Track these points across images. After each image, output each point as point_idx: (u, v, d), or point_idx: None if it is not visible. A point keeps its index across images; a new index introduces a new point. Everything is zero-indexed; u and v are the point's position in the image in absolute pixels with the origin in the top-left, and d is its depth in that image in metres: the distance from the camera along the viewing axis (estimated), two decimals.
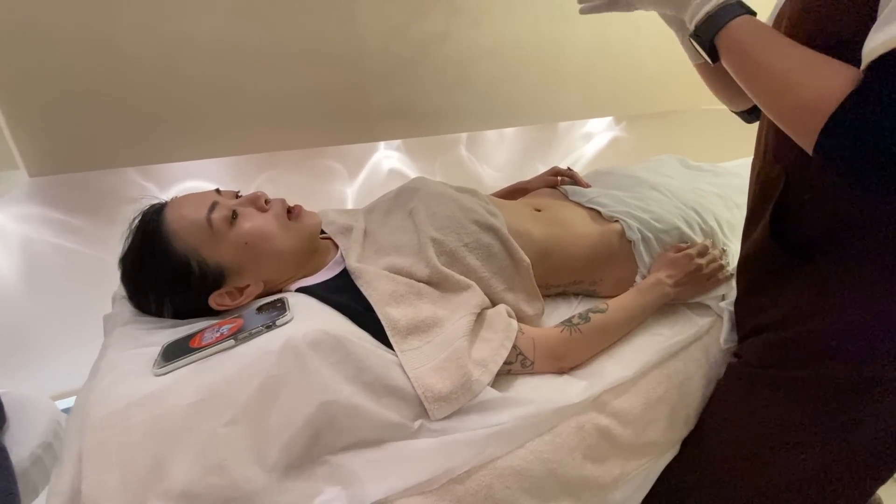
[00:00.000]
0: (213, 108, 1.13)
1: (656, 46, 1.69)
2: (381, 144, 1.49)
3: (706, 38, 0.52)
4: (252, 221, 0.67)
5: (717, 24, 0.51)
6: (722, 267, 0.82)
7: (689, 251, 0.80)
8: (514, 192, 1.06)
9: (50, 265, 1.14)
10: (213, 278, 0.65)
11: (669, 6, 0.58)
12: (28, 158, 1.00)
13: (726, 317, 0.74)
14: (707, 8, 0.51)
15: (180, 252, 0.63)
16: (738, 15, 0.50)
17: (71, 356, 1.09)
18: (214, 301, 0.65)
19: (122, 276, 0.67)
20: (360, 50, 1.24)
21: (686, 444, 0.72)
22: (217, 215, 0.64)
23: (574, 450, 0.60)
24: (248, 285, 0.67)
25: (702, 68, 0.72)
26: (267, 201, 0.71)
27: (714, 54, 0.53)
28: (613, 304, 0.73)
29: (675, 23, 0.66)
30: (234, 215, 0.65)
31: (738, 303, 0.71)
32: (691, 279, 0.77)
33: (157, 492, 0.45)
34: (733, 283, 0.81)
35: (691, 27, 0.54)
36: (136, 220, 0.67)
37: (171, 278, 0.63)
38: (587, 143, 1.97)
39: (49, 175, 1.04)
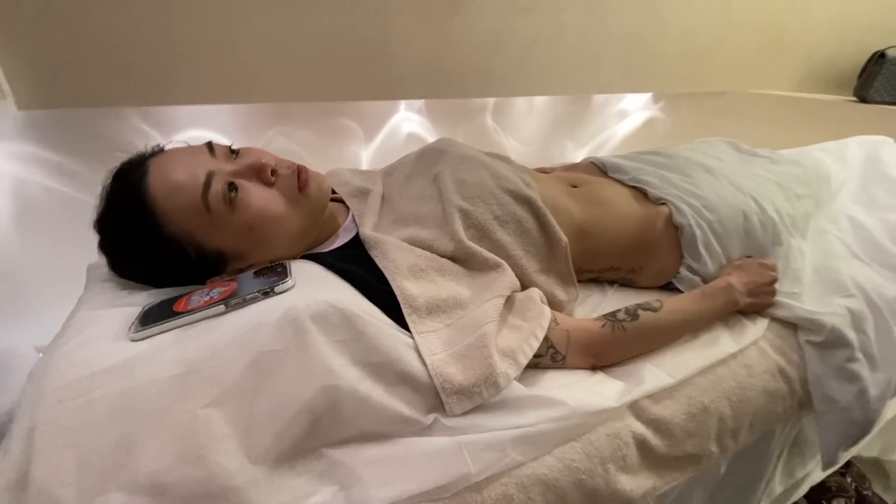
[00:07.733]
0: (223, 47, 1.03)
1: (709, 18, 1.53)
2: (402, 105, 1.38)
3: None
4: (257, 201, 0.55)
5: None
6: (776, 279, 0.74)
7: (766, 261, 0.74)
8: None
9: (41, 208, 1.06)
10: (212, 263, 0.56)
11: None
12: (18, 88, 0.91)
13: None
14: None
15: (173, 237, 0.53)
16: None
17: (60, 307, 1.03)
18: (212, 283, 0.56)
19: (100, 246, 0.57)
20: None
21: None
22: (215, 194, 0.52)
23: (607, 460, 0.53)
24: (250, 265, 0.58)
25: None
26: (274, 172, 0.58)
27: None
28: (669, 303, 0.63)
29: None
30: (234, 189, 0.54)
31: None
32: (763, 292, 0.70)
33: (121, 480, 0.37)
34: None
35: None
36: (113, 184, 0.55)
37: (163, 263, 0.55)
38: (620, 121, 1.84)
39: (42, 109, 0.96)
